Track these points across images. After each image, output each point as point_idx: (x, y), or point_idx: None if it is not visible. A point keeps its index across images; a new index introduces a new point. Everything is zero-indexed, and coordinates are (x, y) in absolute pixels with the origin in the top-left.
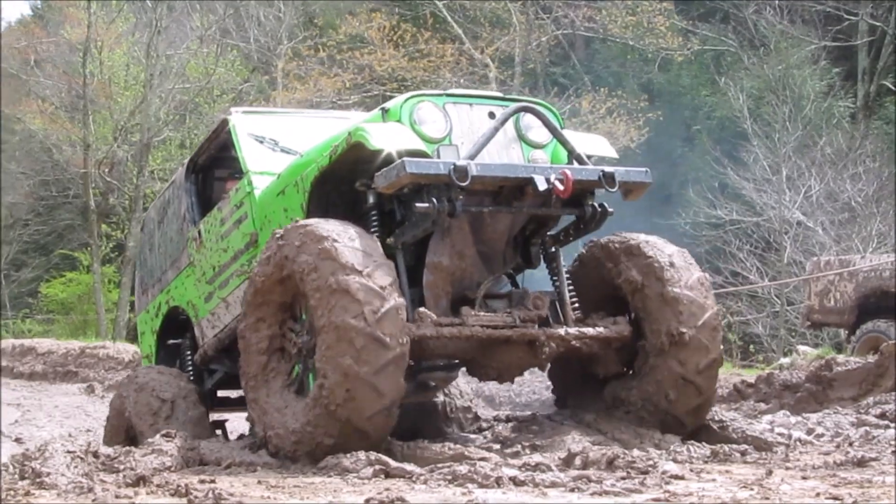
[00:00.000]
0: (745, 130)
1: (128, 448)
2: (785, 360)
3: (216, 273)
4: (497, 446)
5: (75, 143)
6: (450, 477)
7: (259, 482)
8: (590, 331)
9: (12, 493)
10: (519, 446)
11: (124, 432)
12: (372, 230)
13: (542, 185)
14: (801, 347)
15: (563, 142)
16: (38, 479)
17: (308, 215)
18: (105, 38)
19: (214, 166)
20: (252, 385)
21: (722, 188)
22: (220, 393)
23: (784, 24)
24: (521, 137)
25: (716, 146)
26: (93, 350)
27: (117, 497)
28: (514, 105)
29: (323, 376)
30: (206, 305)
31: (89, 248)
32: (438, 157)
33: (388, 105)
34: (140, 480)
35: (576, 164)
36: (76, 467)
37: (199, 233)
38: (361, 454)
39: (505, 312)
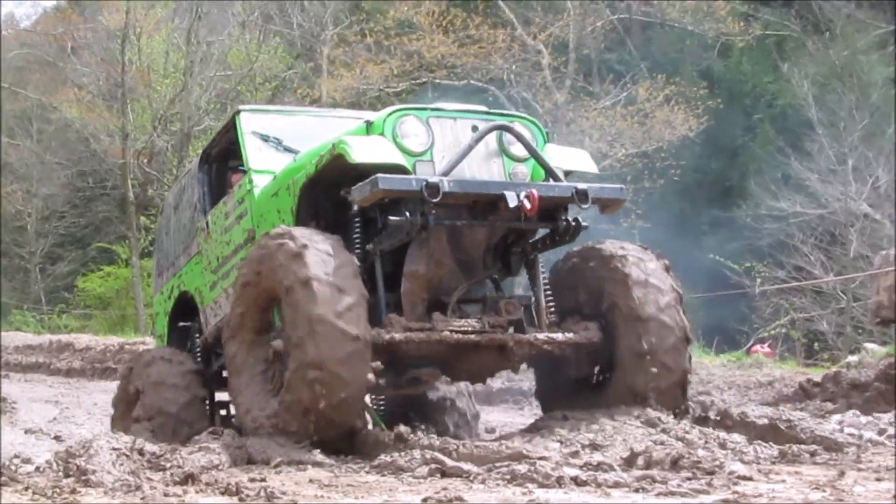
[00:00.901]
0: (810, 119)
1: (174, 446)
2: (852, 359)
3: (220, 264)
4: (555, 445)
5: (113, 133)
6: (508, 476)
7: (311, 481)
8: (559, 336)
9: (57, 490)
10: (578, 445)
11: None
12: (354, 236)
13: (512, 202)
14: (869, 345)
15: (539, 159)
16: (83, 477)
17: (297, 219)
18: (144, 24)
19: (227, 158)
20: (233, 371)
21: (785, 179)
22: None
23: (850, 8)
24: (504, 151)
25: (778, 136)
26: (132, 346)
27: (166, 495)
28: (489, 123)
29: (292, 368)
30: (210, 293)
31: (128, 241)
32: (416, 171)
33: (372, 118)
34: (188, 478)
35: (551, 182)
36: (122, 465)
37: (207, 223)
38: (416, 453)
39: (476, 318)
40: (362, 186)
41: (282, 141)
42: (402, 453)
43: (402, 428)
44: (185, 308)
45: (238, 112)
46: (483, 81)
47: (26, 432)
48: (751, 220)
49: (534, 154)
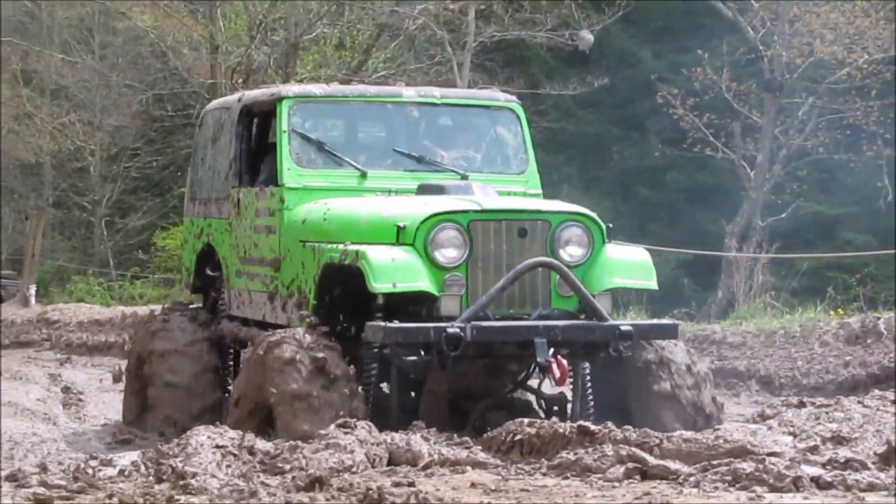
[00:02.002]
0: None
1: (293, 443)
2: None
3: (246, 257)
4: (787, 438)
5: (199, 45)
6: (729, 478)
7: (473, 485)
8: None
9: (150, 498)
10: (818, 439)
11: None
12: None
13: (541, 356)
14: None
15: (581, 295)
16: (181, 482)
17: (317, 296)
18: None
19: (270, 118)
20: None
21: None
22: None
23: None
24: (554, 255)
25: None
26: None
27: None
28: (528, 262)
29: None
30: (235, 279)
31: None
32: (445, 287)
33: (404, 223)
34: (315, 483)
35: (588, 321)
36: (229, 466)
37: (239, 201)
38: (608, 449)
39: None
40: (375, 329)
41: (324, 144)
42: (590, 450)
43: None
44: (213, 255)
45: (281, 99)
46: None
47: (101, 428)
48: None
49: (577, 291)
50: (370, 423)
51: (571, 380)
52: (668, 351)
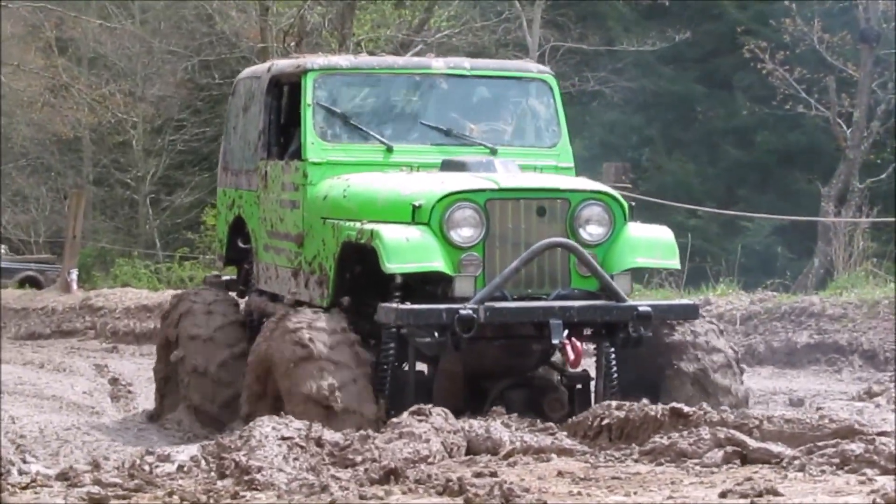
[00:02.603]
0: None
1: (364, 433)
2: None
3: (273, 231)
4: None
5: (248, 7)
6: (837, 460)
7: (560, 474)
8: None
9: (213, 495)
10: None
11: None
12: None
13: (556, 338)
14: None
15: (598, 275)
16: (246, 477)
17: (336, 273)
18: None
19: (299, 91)
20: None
21: None
22: None
23: None
24: (573, 234)
25: None
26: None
27: (363, 498)
28: (542, 242)
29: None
30: (263, 253)
31: None
32: (461, 268)
33: (420, 202)
34: (390, 475)
35: (608, 302)
36: (296, 459)
37: (266, 175)
38: (705, 432)
39: (506, 420)
40: (387, 310)
41: (349, 118)
42: (685, 433)
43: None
44: (244, 227)
45: (306, 72)
46: None
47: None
48: None
49: (593, 271)
50: (446, 410)
51: (595, 359)
52: (695, 330)
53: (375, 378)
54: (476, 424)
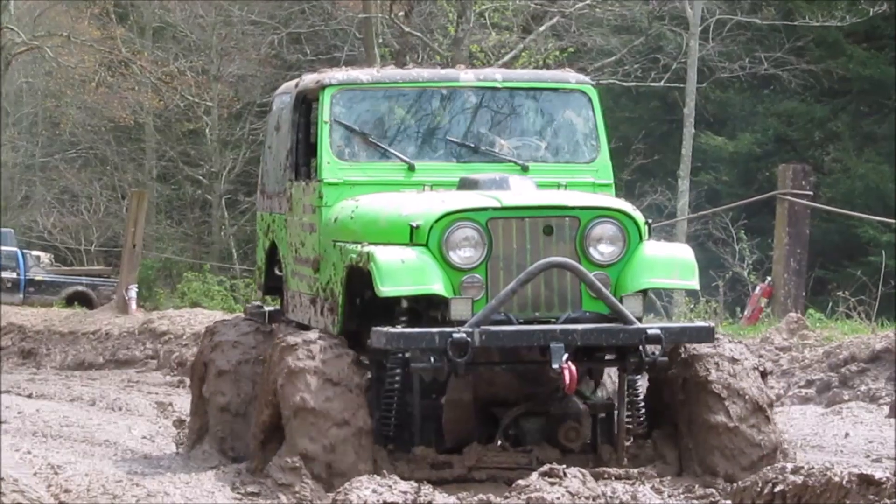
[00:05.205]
0: None
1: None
2: None
3: (297, 257)
4: None
5: None
6: None
7: None
8: (612, 471)
9: None
10: None
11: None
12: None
13: (556, 362)
14: None
15: (603, 297)
16: None
17: (345, 298)
18: None
19: None
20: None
21: None
22: None
23: None
24: (583, 254)
25: None
26: None
27: None
28: (542, 262)
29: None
30: (291, 279)
31: None
32: (461, 290)
33: (417, 221)
34: None
35: (615, 325)
36: None
37: (291, 196)
38: None
39: (522, 451)
40: (379, 334)
41: (369, 136)
42: None
43: None
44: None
45: (324, 88)
46: None
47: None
48: None
49: (597, 292)
50: (584, 471)
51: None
52: (713, 346)
53: (380, 406)
54: (620, 489)
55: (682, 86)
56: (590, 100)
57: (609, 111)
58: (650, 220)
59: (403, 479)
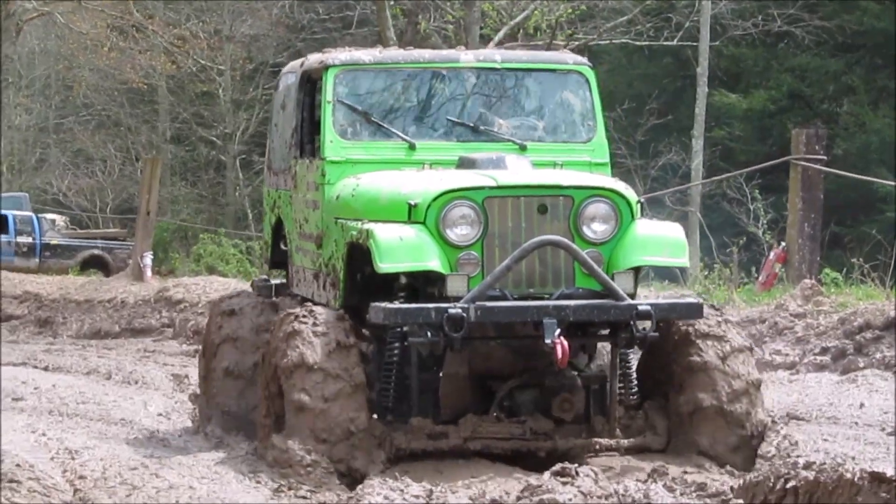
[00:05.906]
0: None
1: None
2: None
3: (301, 233)
4: None
5: None
6: None
7: None
8: (604, 441)
9: None
10: None
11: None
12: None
13: (549, 337)
14: None
15: (595, 274)
16: None
17: (346, 274)
18: None
19: None
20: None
21: None
22: None
23: None
24: (577, 232)
25: None
26: None
27: None
28: (535, 240)
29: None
30: (295, 254)
31: None
32: (458, 267)
33: (415, 200)
34: None
35: (608, 301)
36: None
37: (296, 174)
38: None
39: (517, 421)
40: (377, 310)
41: (371, 115)
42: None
43: None
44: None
45: (327, 68)
46: None
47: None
48: None
49: (590, 269)
50: (595, 470)
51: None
52: (703, 324)
53: (380, 379)
54: (633, 487)
55: (695, 44)
56: (587, 81)
57: (622, 69)
58: (642, 199)
59: (401, 449)
